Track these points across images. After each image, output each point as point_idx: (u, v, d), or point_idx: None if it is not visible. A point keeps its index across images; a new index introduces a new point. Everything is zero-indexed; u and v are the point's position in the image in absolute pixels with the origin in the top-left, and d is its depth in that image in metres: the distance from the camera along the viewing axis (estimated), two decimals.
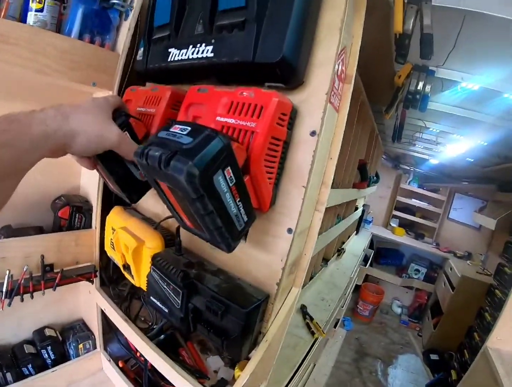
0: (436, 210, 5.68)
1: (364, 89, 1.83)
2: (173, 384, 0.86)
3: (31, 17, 0.86)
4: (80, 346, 1.26)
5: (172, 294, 0.72)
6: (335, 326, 3.25)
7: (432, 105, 2.19)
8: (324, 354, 3.62)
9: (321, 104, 0.64)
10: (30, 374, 1.14)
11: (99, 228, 1.07)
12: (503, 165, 3.26)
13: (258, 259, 0.75)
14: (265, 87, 0.68)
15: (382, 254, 5.79)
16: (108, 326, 1.27)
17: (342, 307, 3.12)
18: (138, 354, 1.10)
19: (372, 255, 5.10)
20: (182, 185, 0.46)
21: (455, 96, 1.97)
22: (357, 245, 4.07)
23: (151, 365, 0.91)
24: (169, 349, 0.94)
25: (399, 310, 5.43)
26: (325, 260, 2.65)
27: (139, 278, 0.87)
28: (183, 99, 0.74)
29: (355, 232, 4.29)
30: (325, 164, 0.76)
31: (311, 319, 1.81)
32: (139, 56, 0.93)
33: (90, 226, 1.09)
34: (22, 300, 0.89)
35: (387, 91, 1.92)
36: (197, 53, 0.71)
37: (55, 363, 1.22)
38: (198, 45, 0.71)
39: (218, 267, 0.79)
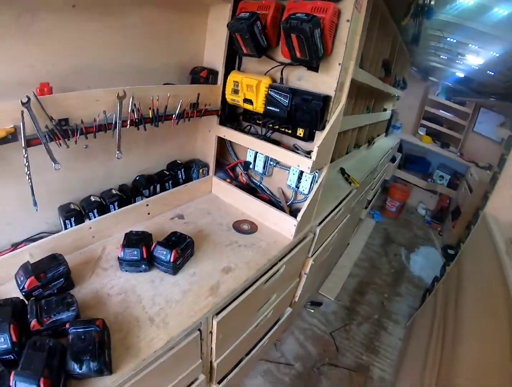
0: (462, 122, 6.83)
1: (385, 4, 2.85)
2: (281, 161, 2.05)
3: None
4: (200, 170, 2.34)
5: (282, 98, 1.77)
6: (365, 207, 4.60)
7: (442, 16, 3.03)
8: (356, 235, 5.03)
9: (351, 8, 1.60)
10: (169, 188, 2.14)
11: (222, 84, 2.09)
12: None
13: (325, 80, 1.78)
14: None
15: (410, 160, 7.13)
16: (216, 162, 2.39)
17: (372, 189, 4.43)
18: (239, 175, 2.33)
19: (400, 157, 6.39)
20: (306, 31, 1.48)
21: (456, 10, 2.82)
22: (386, 143, 5.31)
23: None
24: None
25: (423, 212, 6.87)
26: (358, 145, 3.86)
27: (257, 103, 1.89)
28: (280, 7, 1.77)
29: (384, 133, 5.50)
30: (353, 40, 1.76)
31: (349, 175, 2.98)
32: None
33: (216, 83, 2.11)
34: (177, 123, 1.89)
35: (402, 5, 2.88)
36: None
37: (184, 181, 2.26)
38: None
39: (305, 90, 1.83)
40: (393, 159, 6.22)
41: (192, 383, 1.65)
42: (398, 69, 4.71)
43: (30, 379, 0.95)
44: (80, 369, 1.05)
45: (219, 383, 1.97)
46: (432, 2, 2.60)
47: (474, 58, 4.35)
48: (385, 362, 3.29)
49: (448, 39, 3.93)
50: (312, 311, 3.69)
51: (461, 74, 5.73)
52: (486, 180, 4.87)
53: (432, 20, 2.93)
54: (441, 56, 5.11)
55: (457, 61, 5.03)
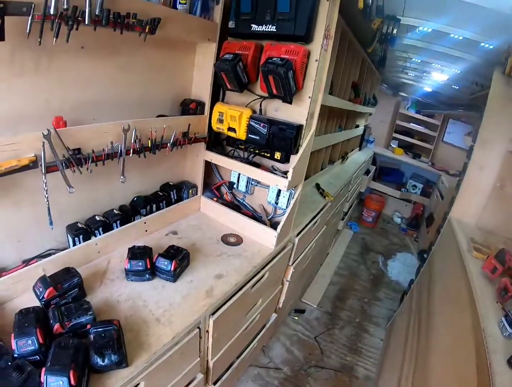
0: (432, 133, 7.32)
1: (352, 33, 3.20)
2: (262, 181, 2.37)
3: (180, 6, 1.92)
4: (190, 191, 2.59)
5: (261, 127, 2.08)
6: (342, 219, 4.89)
7: (407, 41, 3.43)
8: (335, 245, 5.35)
9: (319, 49, 1.94)
10: (163, 208, 2.38)
11: (209, 114, 2.35)
12: (483, 92, 4.13)
13: (297, 110, 2.11)
14: (298, 43, 1.97)
15: (384, 172, 7.53)
16: (204, 183, 2.67)
17: (347, 201, 4.74)
18: (224, 194, 2.63)
19: (374, 170, 6.81)
20: (281, 74, 1.81)
21: (418, 36, 3.19)
22: (359, 157, 5.69)
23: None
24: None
25: (399, 220, 7.29)
26: (332, 161, 4.21)
27: (240, 132, 2.18)
28: (259, 48, 2.09)
29: (358, 148, 5.90)
30: (321, 75, 2.10)
31: (323, 190, 3.28)
32: (231, 25, 2.16)
33: (203, 114, 2.39)
34: (171, 150, 2.21)
35: (368, 34, 3.20)
36: (267, 28, 1.99)
37: (176, 201, 2.52)
38: (268, 25, 1.98)
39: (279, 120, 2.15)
40: (367, 172, 6.65)
41: (191, 382, 1.89)
42: (368, 88, 5.16)
43: (61, 372, 1.09)
44: (103, 361, 1.24)
45: (214, 384, 2.22)
46: (395, 31, 2.90)
47: (439, 75, 4.80)
48: (368, 362, 3.56)
49: (414, 59, 4.33)
50: (296, 318, 3.95)
51: (428, 89, 6.22)
52: (454, 186, 5.17)
53: (397, 44, 3.24)
54: (409, 74, 5.55)
55: (423, 77, 5.48)
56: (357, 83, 4.06)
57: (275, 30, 2.02)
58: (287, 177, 2.13)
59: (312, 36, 1.97)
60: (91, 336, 1.31)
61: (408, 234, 7.00)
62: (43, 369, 1.11)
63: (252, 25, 2.11)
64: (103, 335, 1.31)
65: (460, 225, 3.18)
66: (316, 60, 2.00)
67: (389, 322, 4.00)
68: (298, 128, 2.11)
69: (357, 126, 5.36)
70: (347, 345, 3.73)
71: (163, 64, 2.22)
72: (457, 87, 5.25)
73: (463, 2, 2.19)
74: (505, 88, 3.04)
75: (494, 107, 3.13)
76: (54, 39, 1.36)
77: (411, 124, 7.61)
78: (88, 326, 1.35)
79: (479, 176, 3.29)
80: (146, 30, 1.69)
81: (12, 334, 1.21)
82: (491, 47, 2.91)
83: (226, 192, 2.72)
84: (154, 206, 2.37)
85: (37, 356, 1.21)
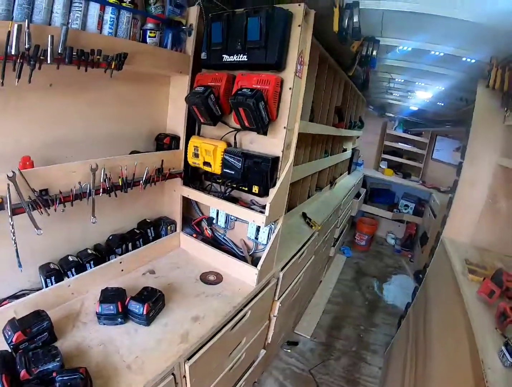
0: (421, 151, 7.37)
1: (332, 57, 3.19)
2: (239, 217, 2.27)
3: (149, 39, 1.92)
4: (168, 227, 2.53)
5: (236, 161, 2.03)
6: (333, 245, 4.83)
7: (388, 62, 3.47)
8: (328, 272, 5.25)
9: (292, 76, 1.92)
10: (140, 246, 2.31)
11: (184, 148, 2.33)
12: (468, 106, 4.15)
13: (273, 142, 2.07)
14: (270, 72, 1.95)
15: (375, 193, 7.48)
16: (183, 218, 2.61)
17: (338, 227, 4.69)
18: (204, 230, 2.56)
19: (364, 193, 6.80)
20: (250, 105, 1.76)
21: (398, 55, 3.23)
22: (349, 181, 5.67)
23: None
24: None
25: (392, 241, 7.25)
26: (319, 188, 4.15)
27: (215, 166, 2.14)
28: (231, 78, 2.06)
29: (347, 172, 5.88)
30: (297, 103, 2.08)
31: (310, 219, 3.23)
32: (203, 56, 2.14)
33: (178, 148, 2.35)
34: (144, 188, 2.14)
35: (348, 57, 3.22)
36: (238, 58, 1.98)
37: (154, 238, 2.45)
38: (239, 54, 1.97)
39: (254, 152, 2.13)
40: (358, 195, 6.59)
41: None
42: (353, 111, 5.17)
43: None
44: None
45: None
46: (374, 53, 2.91)
47: (423, 93, 4.86)
48: None
49: (397, 79, 4.37)
50: (289, 350, 3.82)
51: (414, 108, 6.30)
52: (445, 203, 5.13)
53: (378, 65, 3.27)
54: (394, 94, 5.60)
55: (408, 97, 5.53)
56: (340, 108, 4.05)
57: (246, 59, 2.01)
58: (264, 213, 2.08)
59: (285, 63, 1.96)
60: (57, 385, 1.26)
61: (403, 255, 6.94)
62: None
63: (223, 55, 2.09)
64: (69, 384, 1.26)
65: (454, 245, 3.13)
66: (290, 88, 1.97)
67: (387, 349, 3.90)
68: (274, 160, 2.06)
69: (345, 150, 5.34)
70: (344, 376, 3.59)
71: (136, 98, 2.20)
72: (442, 104, 5.31)
73: (440, 17, 2.20)
74: (490, 101, 3.03)
75: (480, 121, 3.13)
76: (17, 79, 1.33)
77: (399, 143, 7.68)
78: (54, 374, 1.30)
79: (470, 193, 3.25)
80: (112, 66, 1.67)
81: None
82: (473, 61, 2.93)
83: (206, 228, 2.66)
84: (130, 244, 2.29)
85: None
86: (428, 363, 2.42)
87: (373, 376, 3.65)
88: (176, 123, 2.39)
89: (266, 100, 1.88)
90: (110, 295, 1.80)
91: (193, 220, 2.70)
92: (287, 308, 3.01)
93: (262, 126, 1.94)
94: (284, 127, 2.03)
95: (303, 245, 3.00)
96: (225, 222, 2.51)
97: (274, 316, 2.72)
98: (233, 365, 2.26)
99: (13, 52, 1.25)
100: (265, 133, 2.05)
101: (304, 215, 3.39)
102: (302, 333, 4.13)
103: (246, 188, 2.22)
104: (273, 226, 2.28)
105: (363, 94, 5.50)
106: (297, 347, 3.91)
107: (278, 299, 2.66)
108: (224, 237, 2.60)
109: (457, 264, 2.68)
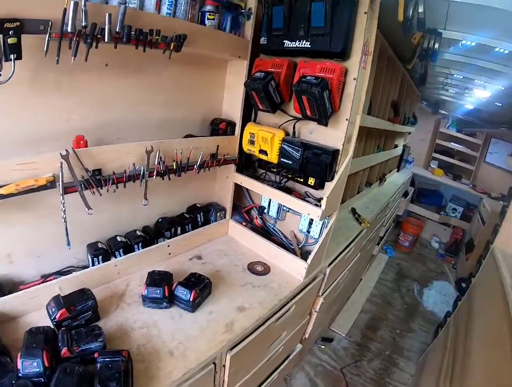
0: (473, 153, 7.03)
1: (391, 49, 3.08)
2: (293, 208, 2.20)
3: (208, 22, 1.88)
4: (218, 214, 2.51)
5: (294, 151, 1.98)
6: (378, 244, 4.72)
7: (448, 56, 3.28)
8: (369, 271, 5.16)
9: (357, 66, 1.83)
10: (188, 230, 2.31)
11: (239, 135, 2.29)
12: None
13: (334, 134, 1.99)
14: (334, 60, 1.86)
15: (422, 194, 7.26)
16: (233, 204, 2.58)
17: (384, 225, 4.57)
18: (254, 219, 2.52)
19: (412, 191, 6.59)
20: (315, 94, 1.70)
21: (460, 50, 3.03)
22: (398, 178, 5.50)
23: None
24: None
25: (437, 245, 6.95)
26: (369, 184, 4.05)
27: (271, 154, 2.10)
28: (292, 65, 2.00)
29: (396, 169, 5.71)
30: (360, 95, 1.99)
31: (359, 215, 3.15)
32: (263, 41, 2.09)
33: (233, 134, 2.31)
34: (198, 172, 2.09)
35: (408, 49, 3.10)
36: (301, 44, 1.91)
37: (203, 224, 2.45)
38: (302, 40, 1.89)
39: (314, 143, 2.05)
40: (405, 194, 6.40)
41: None
42: (408, 106, 5.00)
43: None
44: None
45: None
46: (436, 46, 2.78)
47: (481, 92, 4.59)
48: None
49: (455, 75, 4.18)
50: (323, 347, 3.77)
51: (470, 106, 5.96)
52: (498, 211, 5.02)
53: (438, 60, 3.11)
54: (450, 91, 5.34)
55: (465, 94, 5.29)
56: (396, 102, 3.90)
57: (309, 46, 1.93)
58: (320, 206, 2.02)
59: (350, 52, 1.87)
60: (98, 365, 1.26)
61: (446, 261, 6.66)
62: None
63: (285, 41, 2.03)
64: (110, 366, 1.25)
65: (506, 257, 2.86)
66: (354, 79, 1.88)
67: (421, 357, 3.77)
68: (334, 153, 1.99)
69: (396, 146, 5.17)
70: (375, 379, 3.52)
71: (191, 82, 2.16)
72: (500, 104, 5.00)
73: (507, 12, 2.06)
74: None
75: None
76: (72, 57, 1.32)
77: (452, 143, 7.36)
78: (96, 355, 1.30)
79: None
80: (171, 47, 1.63)
81: (19, 353, 1.19)
82: None
83: (256, 217, 2.63)
84: (179, 228, 2.29)
85: (41, 378, 1.19)
86: (465, 378, 2.29)
87: (403, 382, 3.55)
88: (232, 109, 2.35)
89: (330, 90, 1.80)
90: (157, 279, 1.80)
91: (243, 208, 2.67)
92: (328, 305, 2.96)
93: (324, 116, 1.86)
94: (346, 119, 1.95)
95: (351, 241, 2.92)
96: (277, 212, 2.46)
97: (315, 311, 2.67)
98: (270, 357, 2.25)
99: (69, 30, 1.23)
100: (326, 125, 1.96)
101: (353, 211, 3.31)
102: (338, 331, 4.06)
103: (302, 180, 2.17)
104: (326, 221, 2.20)
105: (418, 89, 5.29)
106: (331, 344, 3.86)
107: (322, 294, 2.60)
108: (274, 227, 2.55)
109: (507, 278, 2.47)
